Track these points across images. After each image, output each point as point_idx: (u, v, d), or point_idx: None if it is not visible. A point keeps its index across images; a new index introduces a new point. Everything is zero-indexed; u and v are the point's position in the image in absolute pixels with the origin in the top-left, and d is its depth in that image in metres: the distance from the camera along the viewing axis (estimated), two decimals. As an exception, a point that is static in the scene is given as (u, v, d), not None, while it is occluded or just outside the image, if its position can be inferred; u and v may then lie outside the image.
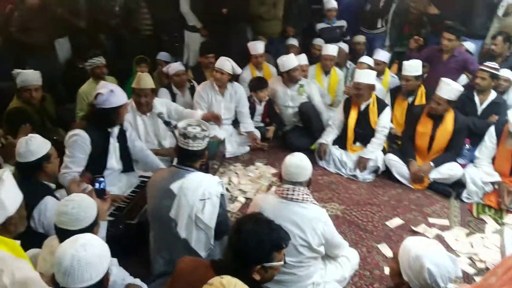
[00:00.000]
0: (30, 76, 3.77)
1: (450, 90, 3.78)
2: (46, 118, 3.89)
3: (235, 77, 4.58)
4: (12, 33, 4.90)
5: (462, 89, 3.88)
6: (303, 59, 4.96)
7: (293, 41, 5.69)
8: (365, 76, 4.12)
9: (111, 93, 2.89)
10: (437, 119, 3.92)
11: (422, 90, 4.44)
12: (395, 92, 4.59)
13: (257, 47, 5.15)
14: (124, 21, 5.39)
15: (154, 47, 5.53)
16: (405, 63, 4.40)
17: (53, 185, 2.59)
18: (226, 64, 4.29)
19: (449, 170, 3.89)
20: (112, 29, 5.57)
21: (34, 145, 2.42)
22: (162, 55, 5.25)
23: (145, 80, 3.69)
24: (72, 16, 5.59)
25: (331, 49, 5.10)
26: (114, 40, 5.71)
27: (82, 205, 1.94)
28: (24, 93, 3.74)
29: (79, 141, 2.89)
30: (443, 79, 3.86)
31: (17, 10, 4.95)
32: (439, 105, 3.83)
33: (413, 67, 4.32)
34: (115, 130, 3.11)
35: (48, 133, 3.60)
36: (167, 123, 3.56)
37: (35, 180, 2.45)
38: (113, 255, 1.68)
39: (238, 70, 4.43)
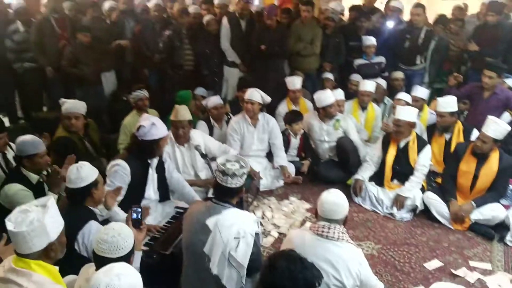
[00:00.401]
0: (74, 105, 3.93)
1: (497, 129, 3.69)
2: (90, 146, 4.04)
3: (266, 107, 4.63)
4: (63, 66, 5.22)
5: (509, 128, 3.77)
6: (339, 94, 4.98)
7: (329, 75, 5.74)
8: (406, 113, 4.08)
9: (152, 126, 3.00)
10: (482, 158, 3.81)
11: (459, 127, 4.35)
12: (431, 129, 4.52)
13: (295, 82, 5.23)
14: (168, 56, 5.62)
15: (194, 82, 5.72)
16: (439, 99, 4.36)
17: (97, 211, 2.69)
18: (255, 94, 4.39)
19: (492, 211, 3.73)
20: (155, 64, 5.83)
21: (84, 172, 2.53)
22: (200, 90, 5.38)
23: (183, 112, 3.82)
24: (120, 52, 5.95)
25: (368, 85, 5.11)
26: (157, 75, 5.96)
27: (122, 234, 1.99)
28: (65, 121, 3.89)
29: (120, 171, 3.00)
30: (490, 117, 3.79)
31: (70, 46, 5.30)
32: (484, 144, 3.73)
33: (448, 103, 4.26)
34: (155, 161, 3.21)
35: (91, 161, 3.77)
36: (203, 156, 3.65)
37: (82, 205, 2.55)
38: (146, 284, 1.70)
39: (267, 99, 4.50)
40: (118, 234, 1.99)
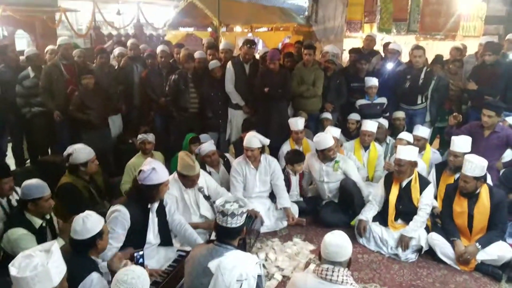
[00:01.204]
0: (85, 150, 3.93)
1: (474, 167, 3.71)
2: (95, 190, 4.06)
3: (269, 148, 4.68)
4: (71, 111, 5.36)
5: (486, 164, 3.76)
6: (334, 132, 5.03)
7: (328, 115, 5.83)
8: (407, 153, 4.10)
9: (153, 170, 3.04)
10: (472, 197, 3.80)
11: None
12: (441, 168, 4.51)
13: (297, 123, 5.32)
14: (173, 100, 5.76)
15: (199, 124, 5.84)
16: (454, 138, 4.33)
17: (99, 261, 2.69)
18: (253, 141, 4.44)
19: (498, 251, 3.68)
20: (161, 107, 5.97)
21: (90, 223, 2.54)
22: (203, 137, 5.30)
23: (195, 168, 3.83)
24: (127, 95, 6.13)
25: (370, 125, 5.17)
26: (163, 117, 6.10)
27: (141, 278, 2.07)
28: (82, 168, 3.88)
29: (120, 217, 3.01)
30: (467, 156, 3.83)
31: (77, 91, 5.48)
32: (467, 184, 3.75)
33: (463, 143, 4.25)
34: (155, 205, 3.23)
35: (96, 206, 3.81)
36: (207, 197, 3.69)
37: (85, 256, 2.56)
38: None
39: (266, 141, 4.55)
40: (138, 277, 2.06)
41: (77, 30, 12.37)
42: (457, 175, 4.33)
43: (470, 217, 3.81)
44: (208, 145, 4.77)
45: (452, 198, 3.94)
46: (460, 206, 3.87)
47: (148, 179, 3.03)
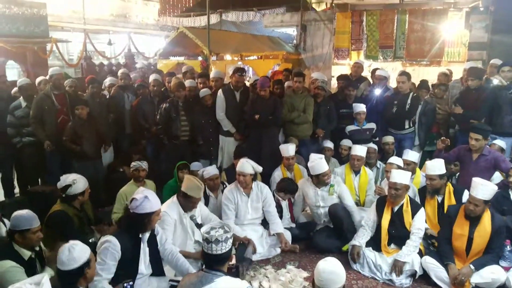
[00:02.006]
0: (82, 180, 3.96)
1: (486, 190, 3.73)
2: (85, 221, 4.03)
3: (261, 175, 4.70)
4: (64, 141, 5.35)
5: (496, 188, 3.82)
6: (359, 151, 5.15)
7: (329, 144, 5.84)
8: (402, 176, 4.14)
9: (145, 199, 3.03)
10: (474, 220, 3.81)
11: (450, 189, 4.39)
12: (423, 192, 4.56)
13: (289, 149, 5.35)
14: (164, 128, 5.79)
15: (190, 151, 5.85)
16: (427, 162, 4.45)
17: None
18: (246, 166, 4.45)
19: (492, 274, 3.67)
20: (153, 135, 5.99)
21: (77, 252, 2.50)
22: (195, 165, 5.38)
23: (201, 191, 3.88)
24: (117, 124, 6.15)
25: (359, 150, 5.23)
26: (154, 145, 6.11)
27: None
28: (79, 197, 3.91)
29: (110, 248, 2.97)
30: (475, 179, 3.83)
31: (68, 121, 5.48)
32: (477, 207, 3.74)
33: (436, 166, 4.33)
34: (146, 235, 3.20)
35: (85, 236, 3.77)
36: (198, 226, 3.66)
37: (74, 286, 2.50)
38: None
39: (259, 168, 4.56)
40: None
41: (68, 60, 12.49)
42: (439, 198, 4.40)
43: (470, 240, 3.81)
44: (212, 169, 4.90)
45: (453, 220, 3.93)
46: (461, 228, 3.87)
47: (141, 208, 3.02)
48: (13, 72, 11.84)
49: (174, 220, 3.83)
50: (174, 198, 3.95)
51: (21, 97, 5.70)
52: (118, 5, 16.71)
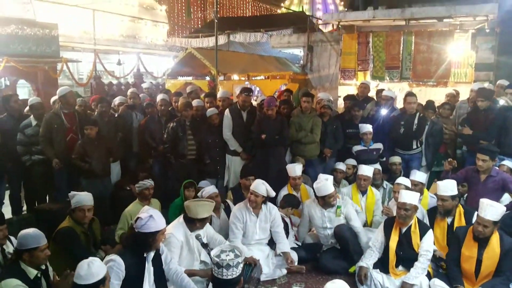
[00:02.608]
0: (85, 197, 4.00)
1: (494, 210, 3.69)
2: (92, 239, 4.04)
3: (269, 198, 4.69)
4: (73, 159, 5.41)
5: (505, 208, 3.78)
6: (367, 171, 5.12)
7: (341, 166, 5.80)
8: (411, 197, 4.10)
9: (150, 218, 3.03)
10: (483, 242, 3.76)
11: (460, 210, 4.35)
12: (433, 213, 4.51)
13: (295, 169, 5.35)
14: (171, 147, 5.83)
15: (197, 170, 5.86)
16: (439, 183, 4.41)
17: None
18: (260, 187, 4.45)
19: (502, 298, 3.60)
20: (160, 154, 6.02)
21: (95, 268, 2.56)
22: (203, 184, 5.37)
23: (208, 210, 3.90)
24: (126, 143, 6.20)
25: (366, 170, 5.21)
26: (161, 164, 6.13)
27: None
28: (78, 213, 3.93)
29: (115, 267, 2.97)
30: (484, 200, 3.79)
31: (77, 139, 5.54)
32: (486, 228, 3.70)
33: (448, 187, 4.30)
34: (151, 254, 3.19)
35: (91, 254, 3.76)
36: (204, 245, 3.65)
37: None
38: None
39: (272, 193, 4.56)
40: None
41: (78, 79, 12.67)
42: (449, 219, 4.34)
43: (479, 262, 3.76)
44: (211, 188, 4.84)
45: (462, 242, 3.88)
46: (469, 250, 3.82)
47: (146, 227, 3.02)
48: (24, 91, 12.04)
49: (180, 242, 3.81)
50: (180, 219, 3.94)
51: (32, 116, 5.77)
52: (128, 26, 17.01)
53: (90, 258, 2.62)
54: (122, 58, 15.07)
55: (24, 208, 6.18)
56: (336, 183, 5.56)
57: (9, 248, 3.53)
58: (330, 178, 5.04)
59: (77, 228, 3.88)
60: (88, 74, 12.56)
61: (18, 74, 9.38)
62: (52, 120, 5.62)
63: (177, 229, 3.83)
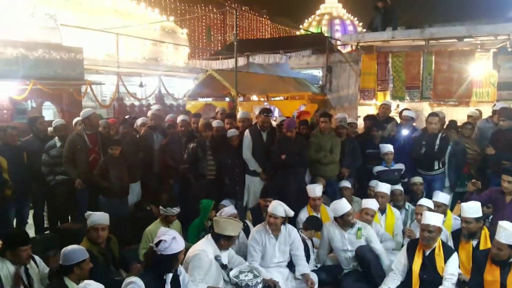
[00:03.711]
0: (100, 217, 4.06)
1: (510, 234, 3.59)
2: (110, 259, 4.05)
3: (288, 219, 4.65)
4: (94, 176, 5.52)
5: None
6: (371, 204, 4.97)
7: (346, 184, 5.81)
8: (435, 218, 4.02)
9: (173, 240, 3.08)
10: (505, 265, 3.64)
11: (486, 233, 4.23)
12: (457, 235, 4.40)
13: (316, 190, 5.32)
14: (191, 167, 5.88)
15: (216, 191, 5.88)
16: (463, 204, 4.31)
17: None
18: (278, 208, 4.42)
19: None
20: (180, 174, 6.07)
21: None
22: (225, 202, 5.42)
23: (236, 230, 3.93)
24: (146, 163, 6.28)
25: (382, 186, 5.20)
26: (181, 184, 6.18)
27: None
28: (92, 232, 3.98)
29: None
30: (501, 222, 3.71)
31: (99, 158, 5.65)
32: (501, 251, 3.62)
33: (473, 208, 4.20)
34: (170, 275, 3.21)
35: (111, 274, 3.78)
36: (223, 266, 3.62)
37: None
38: None
39: (291, 213, 4.52)
40: None
41: (101, 101, 12.98)
42: (474, 242, 4.23)
43: (503, 286, 3.64)
44: (230, 208, 4.82)
45: (483, 267, 3.77)
46: (491, 275, 3.70)
47: (169, 249, 3.07)
48: (49, 113, 12.37)
49: (210, 260, 3.80)
50: (209, 236, 3.96)
51: (56, 137, 5.93)
52: (150, 49, 17.46)
53: (85, 282, 2.75)
54: (144, 80, 15.40)
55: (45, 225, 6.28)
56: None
57: (33, 267, 3.58)
58: (372, 202, 5.01)
59: (94, 249, 3.89)
60: (111, 96, 12.86)
61: (44, 96, 9.68)
62: (76, 141, 5.75)
63: (207, 246, 3.84)
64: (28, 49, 8.97)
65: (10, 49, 8.67)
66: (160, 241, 3.09)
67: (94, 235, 3.97)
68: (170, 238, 3.07)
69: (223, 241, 3.86)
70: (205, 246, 3.85)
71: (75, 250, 3.31)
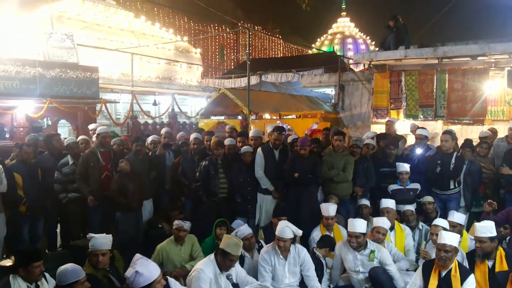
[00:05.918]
0: (101, 241, 3.91)
1: None
2: (116, 279, 3.97)
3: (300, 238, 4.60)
4: (111, 191, 5.56)
5: None
6: (382, 222, 4.89)
7: (365, 202, 5.73)
8: (451, 238, 3.94)
9: (137, 274, 2.98)
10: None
11: (501, 253, 4.13)
12: (472, 256, 4.30)
13: (329, 209, 5.25)
14: (203, 185, 5.88)
15: (228, 209, 5.86)
16: (476, 224, 4.21)
17: None
18: (286, 231, 4.36)
19: None
20: (192, 192, 6.08)
21: None
22: (236, 223, 5.35)
23: (240, 248, 3.93)
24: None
25: (387, 202, 5.24)
26: (192, 202, 6.17)
27: None
28: (93, 257, 3.87)
29: None
30: None
31: (117, 175, 5.71)
32: None
33: (486, 227, 4.10)
34: None
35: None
36: (235, 286, 3.59)
37: None
38: None
39: (299, 232, 4.47)
40: None
41: (115, 119, 13.16)
42: (490, 263, 4.12)
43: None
44: (246, 228, 4.76)
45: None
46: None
47: (136, 283, 2.98)
48: (64, 130, 12.58)
49: (209, 279, 3.77)
50: (211, 256, 3.93)
51: (69, 155, 5.99)
52: (164, 68, 17.74)
53: None
54: (157, 98, 15.61)
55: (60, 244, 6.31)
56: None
57: (44, 284, 3.58)
58: (384, 220, 4.93)
59: (98, 274, 3.82)
60: (125, 114, 13.03)
61: (59, 114, 9.87)
62: (89, 158, 5.82)
63: (207, 266, 3.82)
64: (45, 68, 9.19)
65: (28, 68, 8.89)
66: (124, 277, 3.05)
67: (94, 260, 3.87)
68: (132, 273, 2.98)
69: (220, 257, 3.83)
70: (204, 266, 3.85)
71: (66, 272, 3.22)
